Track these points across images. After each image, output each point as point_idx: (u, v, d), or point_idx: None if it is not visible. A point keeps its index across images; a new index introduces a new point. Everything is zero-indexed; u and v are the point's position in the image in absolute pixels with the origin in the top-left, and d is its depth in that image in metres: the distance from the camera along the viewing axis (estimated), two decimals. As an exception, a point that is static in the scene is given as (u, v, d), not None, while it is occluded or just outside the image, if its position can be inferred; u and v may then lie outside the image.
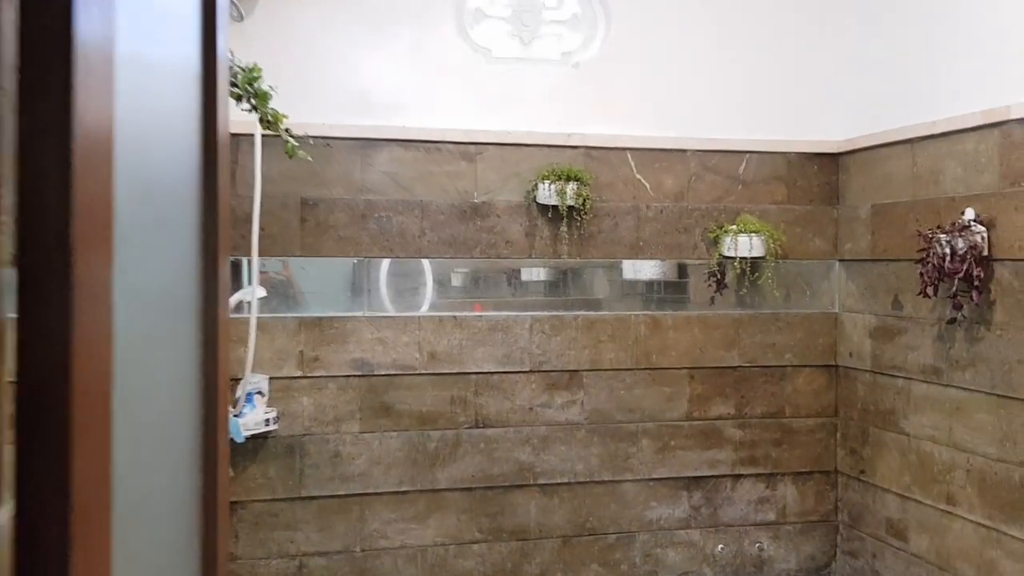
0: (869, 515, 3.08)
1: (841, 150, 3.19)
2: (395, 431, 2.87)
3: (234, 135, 2.67)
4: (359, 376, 2.84)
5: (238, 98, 2.01)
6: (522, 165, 2.96)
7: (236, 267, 2.69)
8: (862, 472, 3.11)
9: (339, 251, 2.83)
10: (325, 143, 2.31)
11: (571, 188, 2.90)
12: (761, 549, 3.19)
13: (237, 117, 2.22)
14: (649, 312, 3.09)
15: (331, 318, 2.82)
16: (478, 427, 2.94)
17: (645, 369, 3.07)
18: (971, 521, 2.60)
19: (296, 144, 2.30)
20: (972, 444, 2.60)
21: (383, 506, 2.87)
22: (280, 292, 2.85)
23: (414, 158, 2.89)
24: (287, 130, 2.23)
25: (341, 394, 2.83)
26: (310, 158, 2.32)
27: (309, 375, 2.80)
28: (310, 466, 2.81)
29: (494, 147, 2.94)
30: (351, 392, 2.84)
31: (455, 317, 2.92)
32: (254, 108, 2.08)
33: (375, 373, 2.85)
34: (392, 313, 2.90)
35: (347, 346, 2.83)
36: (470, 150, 2.93)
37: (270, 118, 2.12)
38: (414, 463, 2.89)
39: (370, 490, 2.85)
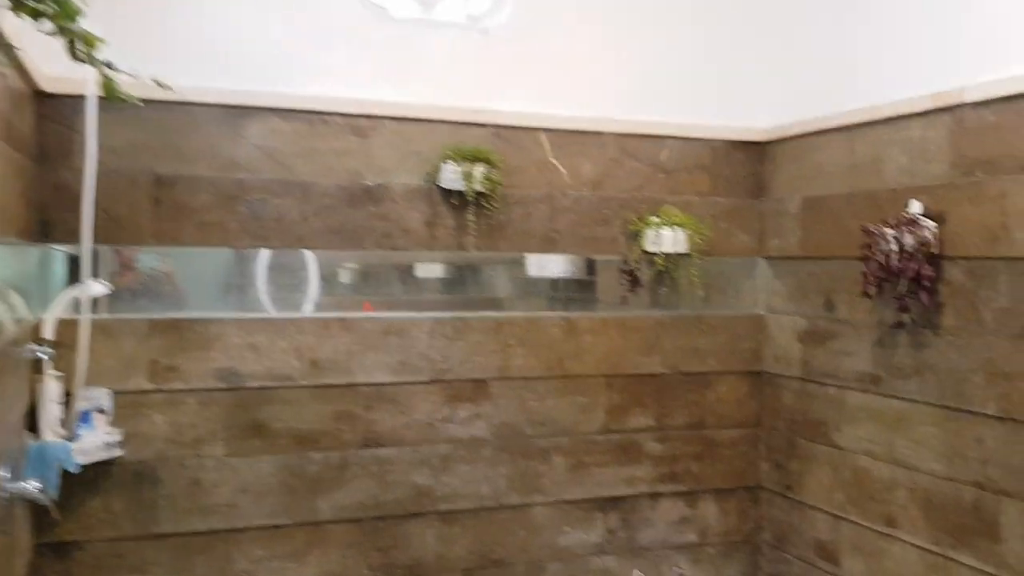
0: (796, 536, 2.83)
1: (769, 138, 2.94)
2: (268, 454, 2.43)
3: (68, 96, 2.18)
4: (225, 389, 2.39)
5: (19, 4, 1.40)
6: (422, 143, 2.56)
7: (75, 260, 2.19)
8: (788, 488, 2.86)
9: (202, 239, 2.37)
10: (163, 86, 1.83)
11: (479, 171, 2.53)
12: (681, 574, 2.91)
13: (70, 74, 1.74)
14: (564, 313, 2.75)
15: (191, 320, 2.36)
16: (368, 447, 2.53)
17: (558, 377, 2.73)
18: (914, 545, 2.37)
19: (112, 78, 1.73)
20: (916, 460, 2.37)
21: (253, 542, 2.42)
22: (153, 291, 2.38)
23: (295, 131, 2.45)
24: (107, 64, 1.69)
25: (203, 410, 2.37)
26: (140, 103, 1.83)
27: (163, 388, 2.33)
28: (164, 497, 2.34)
29: (390, 121, 2.53)
30: (215, 408, 2.38)
31: (342, 319, 2.50)
32: (59, 29, 1.50)
33: (245, 385, 2.40)
34: (267, 315, 2.46)
35: (211, 353, 2.37)
36: (362, 124, 2.51)
37: (79, 45, 1.55)
38: (291, 491, 2.45)
39: (238, 524, 2.40)
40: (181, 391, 2.34)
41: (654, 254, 2.77)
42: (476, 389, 2.65)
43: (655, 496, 2.87)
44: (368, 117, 2.51)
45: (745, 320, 2.96)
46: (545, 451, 2.73)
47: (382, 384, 2.54)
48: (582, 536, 2.78)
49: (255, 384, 2.41)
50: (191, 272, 2.43)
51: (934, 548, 2.31)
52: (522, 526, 2.71)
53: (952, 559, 2.25)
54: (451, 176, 2.52)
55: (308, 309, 2.52)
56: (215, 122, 2.37)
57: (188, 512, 2.36)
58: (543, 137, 2.68)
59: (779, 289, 2.91)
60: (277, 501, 2.44)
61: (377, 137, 2.52)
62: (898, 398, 2.43)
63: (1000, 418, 2.13)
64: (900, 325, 2.39)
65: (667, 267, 2.79)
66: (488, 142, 2.61)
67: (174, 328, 2.34)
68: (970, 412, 2.21)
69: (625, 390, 2.82)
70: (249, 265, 2.45)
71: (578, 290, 2.87)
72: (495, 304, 2.74)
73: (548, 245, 2.71)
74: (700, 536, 2.93)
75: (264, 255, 2.46)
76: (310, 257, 2.51)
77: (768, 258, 2.95)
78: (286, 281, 2.50)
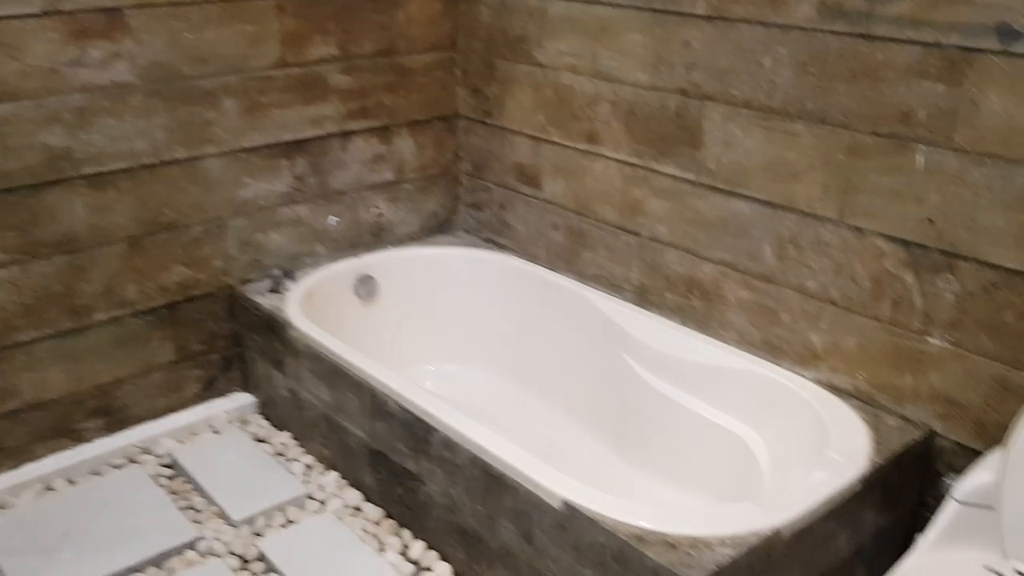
0: (496, 162, 2.71)
1: None
2: None
3: None
4: None
5: None
6: None
7: None
8: (487, 114, 2.68)
9: None
10: None
11: None
12: (380, 214, 2.72)
13: None
14: (211, -85, 2.16)
15: None
16: (-31, 103, 1.94)
17: (217, 0, 2.21)
18: (615, 160, 2.32)
19: None
20: (620, 72, 2.24)
21: None
22: None
23: None
24: None
25: None
26: None
27: None
28: None
29: None
30: None
31: None
32: None
33: None
34: None
35: None
36: None
37: None
38: None
39: None
40: None
41: None
42: (109, 21, 2.07)
43: (346, 135, 2.57)
44: None
45: (433, -77, 2.54)
46: (211, 94, 2.28)
47: (-30, 18, 1.89)
48: (266, 187, 2.46)
49: None
50: None
51: (636, 161, 2.26)
52: (193, 182, 2.32)
53: (654, 170, 2.23)
54: None
55: None
56: None
57: None
58: None
59: None
60: None
61: None
62: (602, 3, 2.22)
63: (709, 17, 2.00)
64: (609, -82, 2.11)
65: None
66: None
67: None
68: (678, 14, 2.06)
69: (300, 14, 2.37)
70: None
71: None
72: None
73: None
74: (397, 173, 2.72)
75: None
76: None
77: None
78: None
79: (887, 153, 1.76)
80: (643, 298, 2.35)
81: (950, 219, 1.70)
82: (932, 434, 1.84)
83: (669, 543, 1.51)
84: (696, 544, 1.50)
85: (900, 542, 1.91)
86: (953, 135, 1.66)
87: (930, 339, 1.80)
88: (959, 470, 1.81)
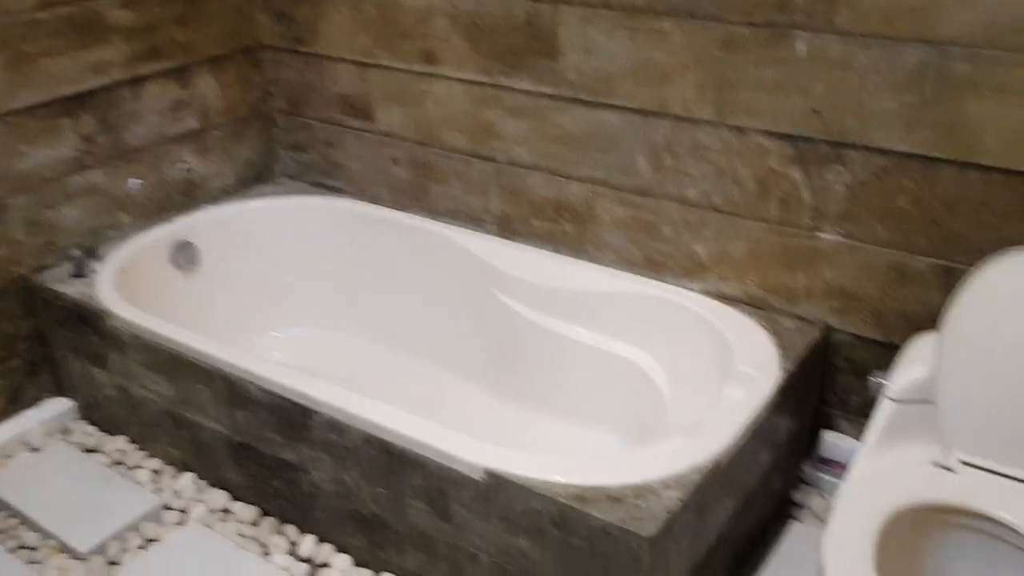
0: (315, 96, 2.40)
1: None
2: None
3: None
4: None
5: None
6: None
7: None
8: (299, 41, 2.35)
9: None
10: None
11: None
12: (188, 169, 2.36)
13: None
14: None
15: None
16: None
17: (-57, -76, 1.76)
18: (460, 80, 2.09)
19: None
20: (453, -20, 2.00)
21: None
22: None
23: None
24: None
25: None
26: None
27: None
28: None
29: None
30: None
31: None
32: None
33: None
34: None
35: None
36: None
37: None
38: None
39: None
40: None
41: None
42: None
43: (136, 82, 2.17)
44: None
45: None
46: (-43, 44, 1.83)
47: None
48: (48, 153, 2.04)
49: None
50: None
51: (484, 79, 2.05)
52: (-45, 159, 1.88)
53: (506, 87, 2.02)
54: None
55: None
56: None
57: None
58: None
59: None
60: None
61: None
62: (426, -97, 1.96)
63: (554, -90, 1.80)
64: None
65: None
66: None
67: None
68: (515, -91, 1.84)
69: (57, -64, 1.94)
70: None
71: None
72: None
73: None
74: (201, 120, 2.36)
75: None
76: None
77: None
78: None
79: (765, 44, 1.65)
80: (507, 228, 2.17)
81: (837, 108, 1.62)
82: (829, 330, 1.80)
83: (612, 497, 1.37)
84: (640, 493, 1.37)
85: (807, 443, 1.89)
86: (834, 18, 1.57)
87: (822, 234, 1.74)
88: (858, 362, 1.79)
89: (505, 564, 1.49)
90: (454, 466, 1.47)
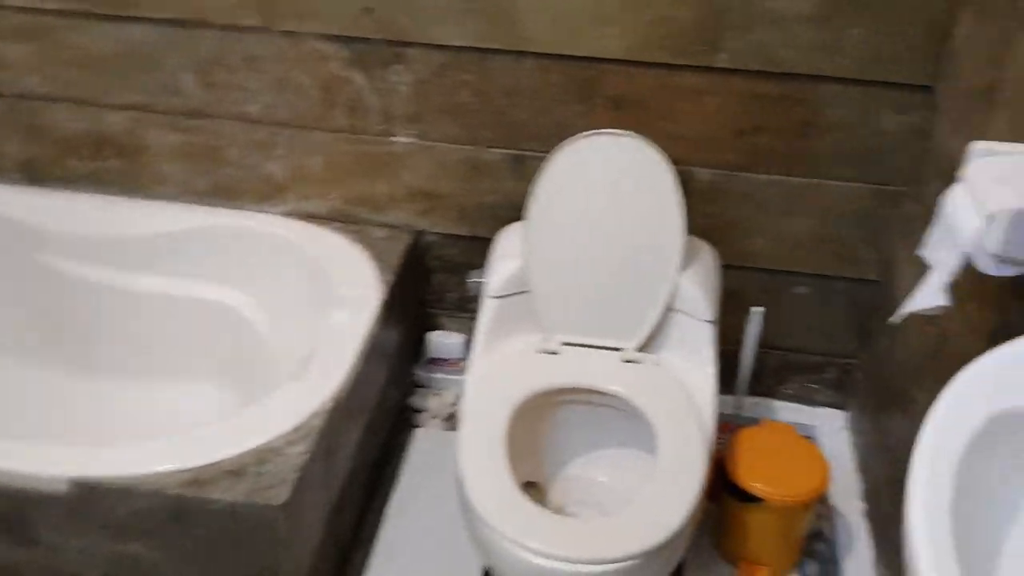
0: None
1: None
2: None
3: None
4: None
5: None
6: None
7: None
8: None
9: None
10: None
11: None
12: None
13: None
14: None
15: None
16: None
17: None
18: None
19: None
20: None
21: None
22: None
23: None
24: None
25: None
26: None
27: None
28: None
29: None
30: None
31: None
32: None
33: None
34: None
35: None
36: None
37: None
38: None
39: None
40: None
41: None
42: None
43: None
44: None
45: None
46: None
47: None
48: None
49: None
50: None
51: None
52: None
53: (-7, 3, 1.63)
54: None
55: None
56: None
57: None
58: None
59: None
60: None
61: None
62: None
63: None
64: None
65: None
66: None
67: None
68: None
69: None
70: None
71: None
72: None
73: None
74: None
75: None
76: None
77: None
78: None
79: (302, -62, 1.49)
80: (35, 175, 1.81)
81: (389, 4, 1.53)
82: (418, 233, 1.78)
83: (231, 472, 1.22)
84: (263, 458, 1.25)
85: (414, 349, 1.88)
86: (371, -94, 1.46)
87: (395, 138, 1.67)
88: (449, 259, 1.80)
89: (119, 574, 1.29)
90: (25, 485, 1.21)
